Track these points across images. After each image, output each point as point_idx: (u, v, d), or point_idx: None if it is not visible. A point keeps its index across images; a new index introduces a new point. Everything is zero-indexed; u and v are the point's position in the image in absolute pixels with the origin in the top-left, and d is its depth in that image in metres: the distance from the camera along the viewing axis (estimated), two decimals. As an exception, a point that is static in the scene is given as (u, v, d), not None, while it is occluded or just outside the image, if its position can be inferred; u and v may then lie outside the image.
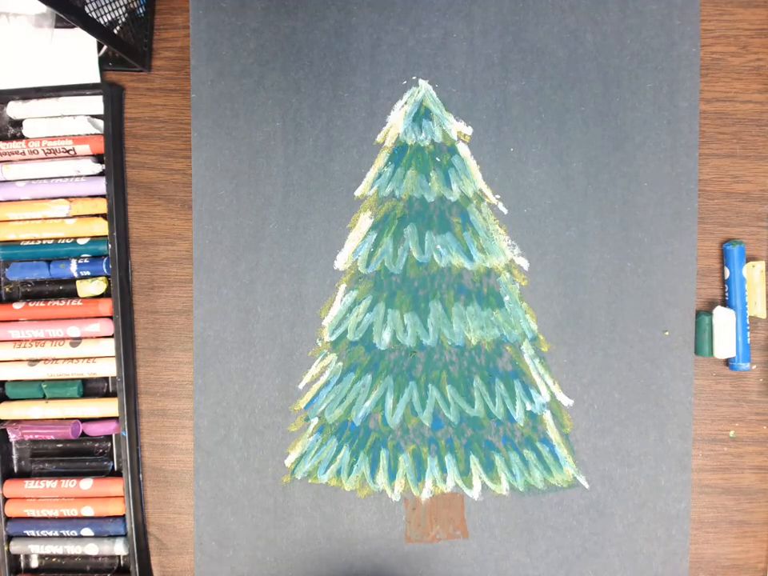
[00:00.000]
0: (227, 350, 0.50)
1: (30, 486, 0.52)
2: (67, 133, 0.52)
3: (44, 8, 0.49)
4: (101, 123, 0.52)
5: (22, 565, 0.53)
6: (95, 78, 0.52)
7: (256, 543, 0.50)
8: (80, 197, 0.52)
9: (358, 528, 0.50)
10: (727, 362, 0.51)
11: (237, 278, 0.50)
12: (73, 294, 0.53)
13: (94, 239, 0.52)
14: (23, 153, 0.52)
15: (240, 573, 0.50)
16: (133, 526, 0.51)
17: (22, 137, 0.53)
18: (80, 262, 0.52)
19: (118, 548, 0.51)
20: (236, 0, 0.50)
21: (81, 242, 0.52)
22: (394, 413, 0.50)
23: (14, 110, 0.52)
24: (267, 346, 0.50)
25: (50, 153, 0.52)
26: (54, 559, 0.53)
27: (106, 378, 0.53)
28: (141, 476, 0.53)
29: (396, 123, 0.50)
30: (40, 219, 0.52)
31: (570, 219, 0.49)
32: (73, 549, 0.51)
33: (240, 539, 0.50)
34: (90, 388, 0.53)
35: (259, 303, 0.50)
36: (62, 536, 0.52)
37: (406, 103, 0.50)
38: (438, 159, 0.50)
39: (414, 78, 0.50)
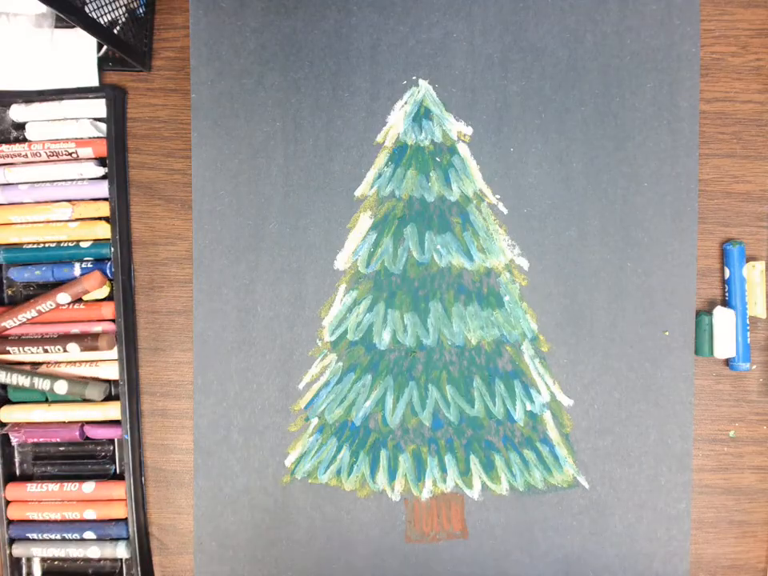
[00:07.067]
0: (227, 349, 0.50)
1: (33, 489, 0.52)
2: (70, 136, 0.52)
3: (44, 8, 0.49)
4: (103, 126, 0.52)
5: (24, 568, 0.53)
6: (95, 78, 0.52)
7: (256, 543, 0.50)
8: (83, 200, 0.53)
9: (358, 528, 0.50)
10: (727, 362, 0.51)
11: (237, 278, 0.50)
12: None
13: (97, 242, 0.52)
14: (26, 156, 0.52)
15: (240, 573, 0.50)
16: (135, 529, 0.51)
17: (25, 140, 0.53)
18: (83, 265, 0.52)
19: (120, 551, 0.51)
20: (236, 0, 0.50)
21: (84, 245, 0.52)
22: (394, 413, 0.50)
23: (16, 112, 0.52)
24: (267, 346, 0.50)
25: (53, 156, 0.52)
26: (56, 562, 0.53)
27: (108, 382, 0.53)
28: (143, 479, 0.53)
29: (396, 123, 0.50)
30: (43, 222, 0.52)
31: (570, 219, 0.49)
32: (75, 552, 0.51)
33: (240, 539, 0.50)
34: (92, 391, 0.54)
35: (259, 303, 0.50)
36: (64, 539, 0.52)
37: (406, 103, 0.50)
38: (438, 159, 0.50)
39: (414, 77, 0.50)
